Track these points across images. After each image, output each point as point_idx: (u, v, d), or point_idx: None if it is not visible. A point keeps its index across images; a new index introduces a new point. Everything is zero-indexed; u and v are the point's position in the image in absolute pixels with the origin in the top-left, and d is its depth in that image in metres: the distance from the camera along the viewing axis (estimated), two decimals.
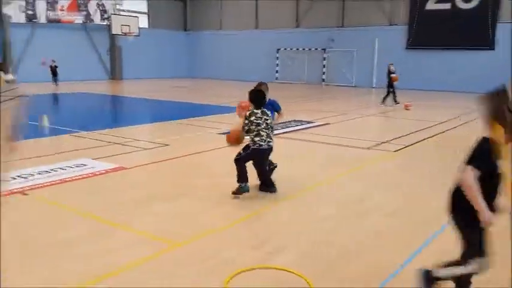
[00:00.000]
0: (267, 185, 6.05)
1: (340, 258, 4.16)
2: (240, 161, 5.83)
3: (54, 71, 23.35)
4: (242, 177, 5.80)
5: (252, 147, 5.79)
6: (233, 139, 5.90)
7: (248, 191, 5.80)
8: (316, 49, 30.34)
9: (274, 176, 6.25)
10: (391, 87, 17.08)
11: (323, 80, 30.23)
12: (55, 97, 20.06)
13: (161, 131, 11.24)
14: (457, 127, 12.21)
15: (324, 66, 30.23)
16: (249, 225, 5.02)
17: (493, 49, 24.39)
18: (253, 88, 6.03)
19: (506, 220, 3.33)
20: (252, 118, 5.72)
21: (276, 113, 6.52)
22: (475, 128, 10.48)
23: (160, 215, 5.18)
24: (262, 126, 5.74)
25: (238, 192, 5.78)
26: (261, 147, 5.76)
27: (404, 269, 3.90)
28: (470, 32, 24.90)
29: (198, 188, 6.21)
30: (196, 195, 5.93)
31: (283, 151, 9.07)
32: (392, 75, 16.98)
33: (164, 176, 7.02)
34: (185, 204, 5.59)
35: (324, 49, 29.99)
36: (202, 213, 5.32)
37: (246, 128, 5.74)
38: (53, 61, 23.54)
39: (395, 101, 17.04)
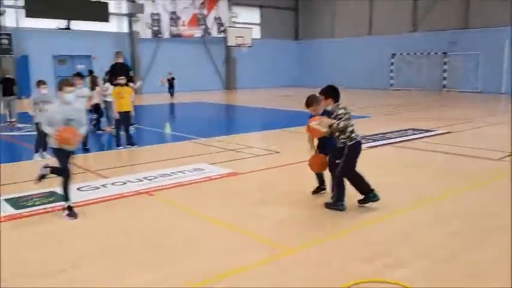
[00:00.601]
0: (366, 193, 5.48)
1: (464, 278, 3.77)
2: (341, 175, 5.39)
3: (171, 83, 24.94)
4: (342, 195, 5.42)
5: (349, 144, 5.30)
6: (318, 165, 5.82)
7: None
8: (435, 53, 28.52)
9: (383, 186, 5.92)
10: None
11: (444, 86, 28.27)
12: (176, 106, 21.52)
13: (272, 139, 11.38)
14: None
15: (444, 71, 28.25)
16: (359, 236, 4.80)
17: None
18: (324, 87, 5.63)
19: None
20: (349, 110, 5.33)
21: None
22: None
23: (271, 220, 5.20)
24: (352, 121, 5.38)
25: (333, 207, 5.45)
26: (357, 140, 5.37)
27: None
28: None
29: (308, 195, 6.14)
30: (306, 202, 5.87)
31: (399, 160, 8.62)
32: None
33: (275, 182, 7.06)
34: (295, 211, 5.55)
35: (445, 53, 28.06)
36: (312, 221, 5.24)
37: (347, 120, 5.20)
38: (170, 73, 25.08)
39: None
